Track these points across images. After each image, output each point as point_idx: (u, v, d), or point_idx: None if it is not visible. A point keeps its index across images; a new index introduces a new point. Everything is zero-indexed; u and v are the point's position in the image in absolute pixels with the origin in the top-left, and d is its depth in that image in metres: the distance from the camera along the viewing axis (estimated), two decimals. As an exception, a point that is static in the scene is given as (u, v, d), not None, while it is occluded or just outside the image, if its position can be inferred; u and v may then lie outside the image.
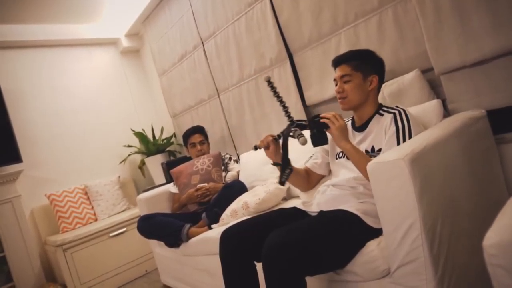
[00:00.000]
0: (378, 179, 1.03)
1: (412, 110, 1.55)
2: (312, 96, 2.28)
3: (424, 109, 1.53)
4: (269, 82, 1.39)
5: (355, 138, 1.45)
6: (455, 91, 1.59)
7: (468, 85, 1.54)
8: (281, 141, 1.40)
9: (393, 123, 1.31)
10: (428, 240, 0.97)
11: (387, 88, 1.75)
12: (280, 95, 1.41)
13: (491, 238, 0.49)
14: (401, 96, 1.68)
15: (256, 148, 1.51)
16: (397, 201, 1.00)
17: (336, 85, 1.46)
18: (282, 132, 1.41)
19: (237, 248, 1.33)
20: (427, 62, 1.65)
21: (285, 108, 1.41)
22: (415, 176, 0.96)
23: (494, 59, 1.44)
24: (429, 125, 1.47)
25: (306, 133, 1.36)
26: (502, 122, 1.48)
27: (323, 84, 2.19)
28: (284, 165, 1.36)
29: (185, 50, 3.26)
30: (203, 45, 3.04)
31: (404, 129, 1.27)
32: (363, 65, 1.41)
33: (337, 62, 1.46)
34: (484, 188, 1.33)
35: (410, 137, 1.24)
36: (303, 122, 1.40)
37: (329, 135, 1.38)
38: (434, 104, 1.51)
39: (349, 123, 1.53)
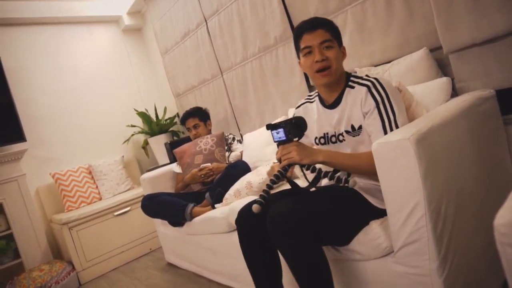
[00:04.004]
0: (382, 159, 1.02)
1: (420, 87, 1.53)
2: (316, 76, 2.25)
3: (432, 86, 1.50)
4: (267, 191, 1.19)
5: (332, 116, 1.31)
6: (463, 70, 1.55)
7: (477, 64, 1.50)
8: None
9: (369, 97, 1.19)
10: (432, 221, 0.97)
11: (394, 67, 1.71)
12: (283, 178, 1.22)
13: (503, 216, 0.48)
14: (408, 75, 1.64)
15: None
16: (401, 181, 0.99)
17: (309, 53, 1.26)
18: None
19: (256, 227, 1.27)
20: (435, 41, 1.61)
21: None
22: (421, 156, 0.95)
23: (505, 37, 1.40)
24: (436, 103, 1.44)
25: None
26: (511, 102, 1.44)
27: (328, 64, 2.15)
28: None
29: (188, 29, 3.20)
30: (206, 23, 2.98)
31: (383, 101, 1.16)
32: (337, 33, 1.28)
33: (312, 26, 1.26)
34: (490, 169, 1.32)
35: (391, 107, 1.15)
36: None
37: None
38: (443, 82, 1.48)
39: (316, 102, 1.40)
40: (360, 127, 1.23)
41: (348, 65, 2.04)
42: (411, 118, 1.40)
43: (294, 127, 1.19)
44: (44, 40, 3.51)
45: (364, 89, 1.20)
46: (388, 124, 1.15)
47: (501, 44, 1.41)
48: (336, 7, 2.00)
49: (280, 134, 1.20)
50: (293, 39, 1.35)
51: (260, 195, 1.17)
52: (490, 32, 1.40)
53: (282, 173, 1.20)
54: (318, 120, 1.37)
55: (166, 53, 3.62)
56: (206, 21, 2.98)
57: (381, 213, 1.21)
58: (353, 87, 1.26)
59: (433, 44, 1.64)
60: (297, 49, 1.33)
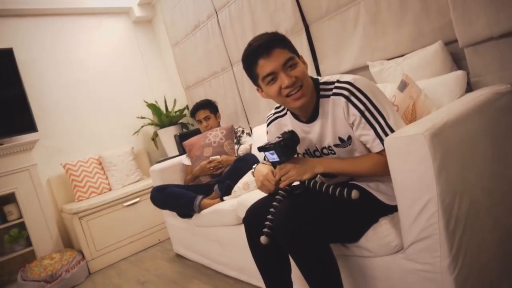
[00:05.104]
0: (395, 154, 1.00)
1: (434, 81, 1.50)
2: (327, 69, 2.22)
3: (447, 80, 1.47)
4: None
5: (312, 130, 1.24)
6: (479, 65, 1.51)
7: (493, 58, 1.46)
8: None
9: (351, 107, 1.11)
10: (444, 217, 0.95)
11: (408, 61, 1.68)
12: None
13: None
14: (423, 68, 1.61)
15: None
16: (414, 176, 0.97)
17: (273, 80, 1.15)
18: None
19: (263, 226, 1.22)
20: (451, 34, 1.57)
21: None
22: (435, 151, 0.93)
23: (524, 31, 1.36)
24: (450, 97, 1.42)
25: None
26: (528, 98, 1.41)
27: (339, 57, 2.13)
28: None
29: (199, 21, 3.19)
30: (217, 15, 2.96)
31: (367, 108, 1.09)
32: (291, 45, 1.18)
33: (267, 48, 1.12)
34: (505, 166, 1.29)
35: (378, 111, 1.09)
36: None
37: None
38: (458, 76, 1.44)
39: (288, 116, 1.31)
40: (349, 138, 1.17)
41: (360, 58, 2.01)
42: (419, 112, 1.37)
43: (284, 149, 1.14)
44: (55, 32, 3.53)
45: (343, 99, 1.11)
46: (381, 130, 1.09)
47: (520, 38, 1.38)
48: (349, -1, 1.96)
49: (274, 155, 1.16)
50: (245, 68, 1.21)
51: (266, 224, 1.15)
52: (508, 25, 1.36)
53: (284, 195, 1.18)
54: None
55: (177, 45, 3.62)
56: (216, 13, 2.96)
57: (390, 209, 1.19)
58: (327, 96, 1.16)
59: (448, 37, 1.61)
60: (254, 77, 1.21)
